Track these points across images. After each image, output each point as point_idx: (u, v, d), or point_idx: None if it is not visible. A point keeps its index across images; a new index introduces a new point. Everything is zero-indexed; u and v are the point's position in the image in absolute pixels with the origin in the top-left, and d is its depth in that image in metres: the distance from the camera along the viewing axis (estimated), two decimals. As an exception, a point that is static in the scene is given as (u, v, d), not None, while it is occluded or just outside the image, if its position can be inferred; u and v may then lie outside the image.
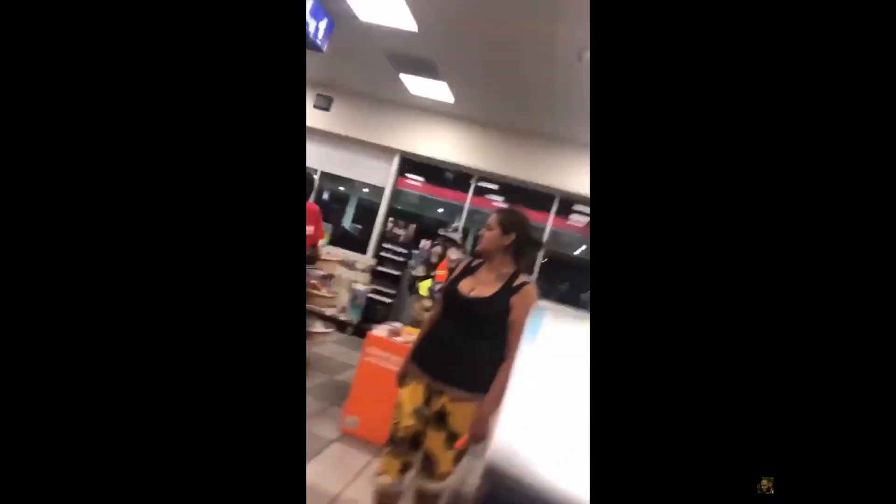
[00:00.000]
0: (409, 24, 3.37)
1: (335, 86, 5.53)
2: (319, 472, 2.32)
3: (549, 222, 5.30)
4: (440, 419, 1.58)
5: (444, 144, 5.38)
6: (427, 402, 1.61)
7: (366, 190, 6.03)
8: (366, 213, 5.90)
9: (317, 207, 2.59)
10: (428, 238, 5.31)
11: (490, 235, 1.68)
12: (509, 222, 1.68)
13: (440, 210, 5.84)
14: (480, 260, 1.74)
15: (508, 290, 1.60)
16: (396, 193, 5.71)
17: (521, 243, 1.66)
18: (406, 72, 4.37)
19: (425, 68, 4.19)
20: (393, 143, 5.48)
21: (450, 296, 1.69)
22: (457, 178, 5.64)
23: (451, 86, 4.44)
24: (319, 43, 3.50)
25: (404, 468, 1.67)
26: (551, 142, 5.00)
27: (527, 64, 3.54)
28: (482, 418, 1.50)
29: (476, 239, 1.76)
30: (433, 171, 5.68)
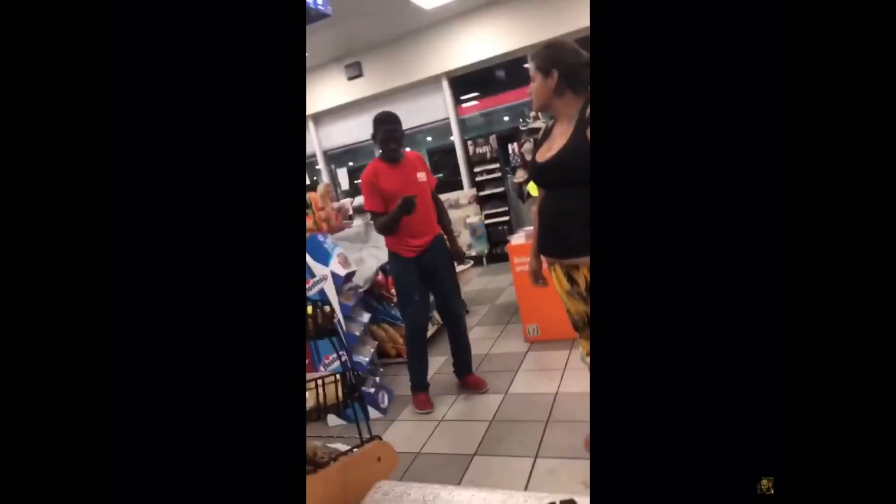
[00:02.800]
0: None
1: (357, 49, 5.39)
2: (529, 382, 2.42)
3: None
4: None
5: (483, 41, 4.99)
6: (572, 281, 1.53)
7: (429, 138, 5.91)
8: (441, 157, 5.79)
9: (418, 154, 2.44)
10: (512, 142, 5.10)
11: (535, 87, 1.49)
12: (545, 61, 1.46)
13: (506, 118, 5.52)
14: (554, 120, 1.55)
15: (581, 126, 1.40)
16: (461, 123, 5.50)
17: (571, 73, 1.43)
18: (412, -11, 4.07)
19: (429, -27, 3.86)
20: (435, 70, 5.24)
21: (533, 170, 1.56)
22: (510, 73, 5.23)
23: (461, -24, 4.06)
24: (323, 8, 3.37)
25: None
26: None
27: None
28: None
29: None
30: (484, 79, 5.34)
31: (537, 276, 1.73)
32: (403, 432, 2.21)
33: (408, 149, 2.37)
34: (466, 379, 2.46)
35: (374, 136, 2.25)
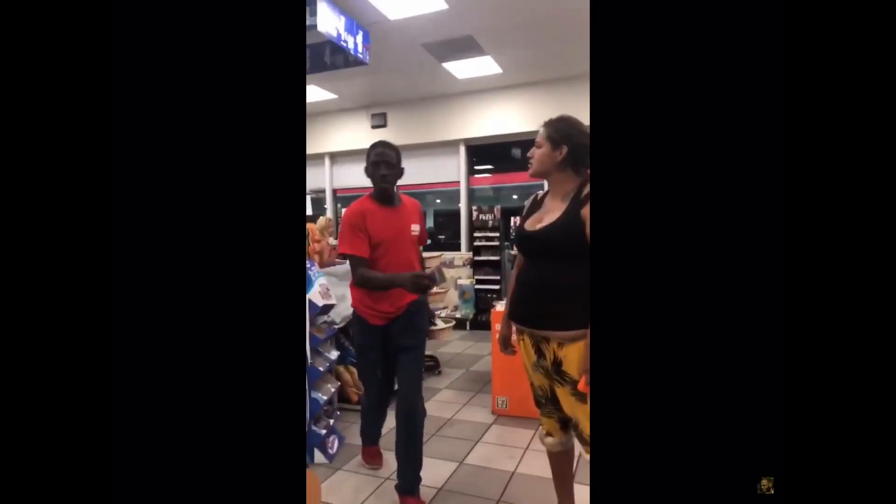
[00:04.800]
0: (437, 4, 3.32)
1: (386, 101, 5.64)
2: (488, 456, 2.29)
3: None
4: (558, 371, 1.42)
5: (504, 118, 5.24)
6: (539, 354, 1.47)
7: (438, 201, 6.05)
8: (446, 219, 5.89)
9: (416, 202, 2.10)
10: (515, 216, 5.19)
11: (539, 154, 1.49)
12: (558, 133, 1.47)
13: (515, 196, 5.68)
14: (545, 192, 1.56)
15: (576, 203, 1.40)
16: (470, 192, 5.64)
17: (577, 152, 1.44)
18: (448, 59, 4.32)
19: (466, 47, 4.11)
20: (455, 135, 5.45)
21: (519, 238, 1.54)
22: (525, 153, 5.44)
23: (495, 57, 4.32)
24: (362, 56, 3.56)
25: (563, 425, 1.56)
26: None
27: (566, 3, 3.33)
28: (589, 352, 1.30)
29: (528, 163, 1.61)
30: (500, 153, 5.54)
31: (506, 343, 1.67)
32: (344, 484, 2.05)
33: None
34: (406, 500, 1.83)
35: (366, 169, 1.90)
